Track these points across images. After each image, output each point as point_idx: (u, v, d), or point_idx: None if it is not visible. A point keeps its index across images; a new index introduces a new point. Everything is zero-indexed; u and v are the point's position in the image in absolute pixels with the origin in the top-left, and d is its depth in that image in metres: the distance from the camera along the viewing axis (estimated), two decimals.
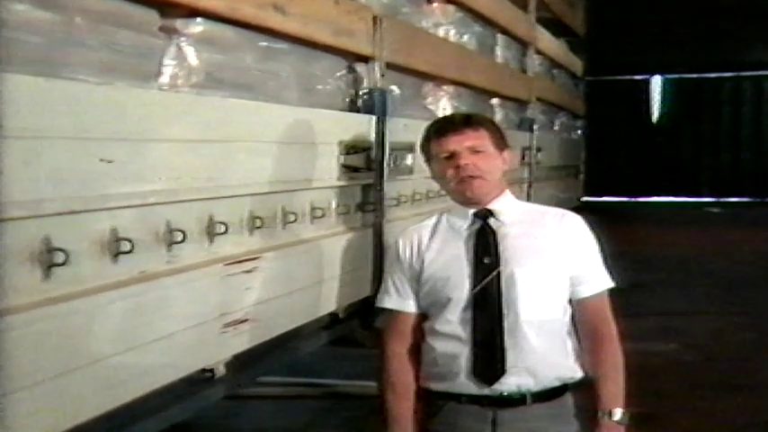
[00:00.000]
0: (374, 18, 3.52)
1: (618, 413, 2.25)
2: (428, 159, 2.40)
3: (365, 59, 3.53)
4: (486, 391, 2.21)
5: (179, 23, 2.39)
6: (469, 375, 2.21)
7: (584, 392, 2.31)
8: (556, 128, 9.53)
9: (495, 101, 6.29)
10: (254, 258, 2.59)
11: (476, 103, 5.46)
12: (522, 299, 2.21)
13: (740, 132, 16.35)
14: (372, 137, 3.44)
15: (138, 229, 2.11)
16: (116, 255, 2.02)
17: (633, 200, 16.29)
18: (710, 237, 11.41)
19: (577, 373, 2.28)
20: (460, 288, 2.23)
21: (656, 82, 16.59)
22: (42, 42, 1.92)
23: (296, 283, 2.87)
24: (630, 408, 2.28)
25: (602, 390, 2.27)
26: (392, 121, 3.54)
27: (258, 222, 2.64)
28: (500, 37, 6.44)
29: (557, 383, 2.25)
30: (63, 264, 1.82)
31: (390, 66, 3.67)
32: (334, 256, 3.10)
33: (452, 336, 2.23)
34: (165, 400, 2.33)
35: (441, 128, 2.35)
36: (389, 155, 3.51)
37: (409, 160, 3.78)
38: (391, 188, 3.60)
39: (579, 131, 11.71)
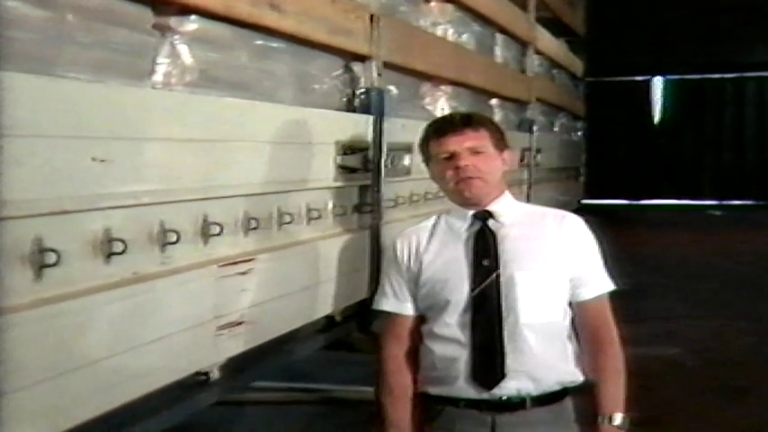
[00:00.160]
0: (371, 16, 3.49)
1: (618, 418, 2.24)
2: (427, 160, 2.37)
3: (362, 58, 3.50)
4: (485, 395, 2.19)
5: (173, 21, 2.37)
6: (468, 379, 2.19)
7: (585, 396, 2.29)
8: (556, 129, 9.50)
9: (494, 101, 6.26)
10: (250, 260, 2.57)
11: (474, 104, 5.43)
12: (521, 302, 2.18)
13: (743, 134, 16.24)
14: (369, 137, 3.41)
15: (132, 230, 2.09)
16: (109, 255, 2.00)
17: (634, 202, 16.19)
18: (712, 240, 11.38)
19: (578, 377, 2.27)
20: (459, 291, 2.21)
21: (658, 83, 16.52)
22: (33, 39, 1.89)
23: (292, 286, 2.85)
24: (631, 412, 2.26)
25: (603, 394, 2.25)
26: (389, 122, 3.52)
27: (253, 223, 2.62)
28: (499, 36, 6.41)
29: (557, 387, 2.24)
30: (55, 264, 1.80)
31: (388, 65, 3.64)
32: (331, 257, 3.07)
33: (451, 339, 2.21)
34: (159, 404, 2.31)
35: (440, 128, 2.32)
36: (387, 155, 3.49)
37: (407, 161, 3.75)
38: (389, 189, 3.58)
39: (579, 133, 11.66)
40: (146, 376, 2.15)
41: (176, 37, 2.38)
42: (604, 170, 14.86)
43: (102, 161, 1.93)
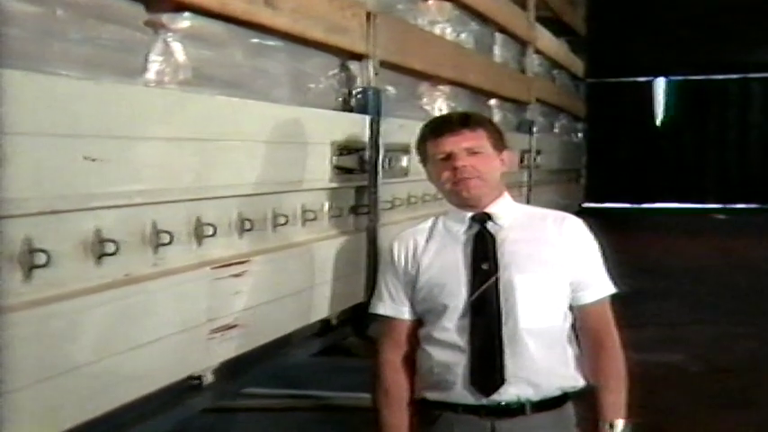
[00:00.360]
0: (368, 15, 3.47)
1: (620, 424, 2.20)
2: (423, 160, 2.34)
3: (359, 57, 3.49)
4: (483, 401, 2.16)
5: (166, 18, 2.36)
6: (467, 385, 2.16)
7: (586, 401, 2.25)
8: (556, 130, 9.48)
9: (492, 102, 6.24)
10: (244, 262, 2.55)
11: (473, 104, 5.41)
12: (521, 306, 2.15)
13: (747, 136, 16.11)
14: (366, 137, 3.39)
15: (124, 231, 2.07)
16: (100, 256, 1.99)
17: (636, 206, 16.12)
18: (716, 244, 11.32)
19: (578, 382, 2.23)
20: (457, 295, 2.18)
21: (660, 84, 16.48)
22: (24, 36, 1.88)
23: (286, 288, 2.83)
24: (633, 419, 2.22)
25: (604, 400, 2.22)
26: (386, 122, 3.50)
27: (247, 224, 2.61)
28: (498, 36, 6.39)
29: (557, 393, 2.20)
30: (45, 265, 1.79)
31: (385, 64, 3.62)
32: (327, 260, 3.05)
33: (449, 344, 2.18)
34: (151, 409, 2.31)
35: (437, 128, 2.29)
36: (384, 156, 3.48)
37: (404, 162, 3.74)
38: (385, 190, 3.57)
39: (580, 134, 11.65)
40: (137, 380, 2.13)
41: (169, 34, 2.38)
42: (605, 173, 14.85)
43: (94, 160, 1.91)
